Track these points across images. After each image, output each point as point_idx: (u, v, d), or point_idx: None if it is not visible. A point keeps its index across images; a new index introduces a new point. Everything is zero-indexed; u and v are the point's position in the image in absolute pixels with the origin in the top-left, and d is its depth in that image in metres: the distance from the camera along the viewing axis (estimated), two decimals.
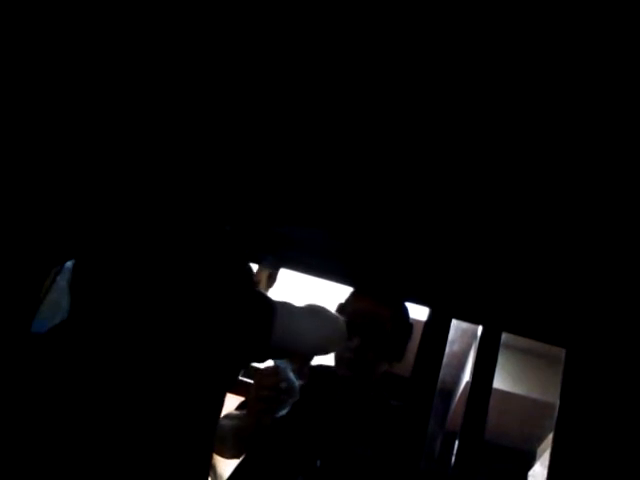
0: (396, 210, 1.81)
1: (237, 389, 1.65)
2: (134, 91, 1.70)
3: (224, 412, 1.56)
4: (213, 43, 1.55)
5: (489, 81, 1.48)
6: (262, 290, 1.70)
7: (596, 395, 1.71)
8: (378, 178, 1.76)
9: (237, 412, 1.73)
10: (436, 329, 1.84)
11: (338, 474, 1.61)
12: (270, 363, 1.55)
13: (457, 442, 1.80)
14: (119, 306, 1.18)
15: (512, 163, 1.64)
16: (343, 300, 1.84)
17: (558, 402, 1.75)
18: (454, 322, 1.90)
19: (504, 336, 1.84)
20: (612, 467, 1.64)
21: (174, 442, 1.14)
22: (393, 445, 1.68)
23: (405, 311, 1.84)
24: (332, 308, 1.73)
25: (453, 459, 1.76)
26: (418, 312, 1.97)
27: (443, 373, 1.86)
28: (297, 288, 2.54)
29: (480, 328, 1.87)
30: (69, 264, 1.37)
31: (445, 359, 1.83)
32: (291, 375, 1.54)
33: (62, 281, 1.70)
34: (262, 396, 1.55)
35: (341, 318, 1.51)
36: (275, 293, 1.75)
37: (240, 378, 1.87)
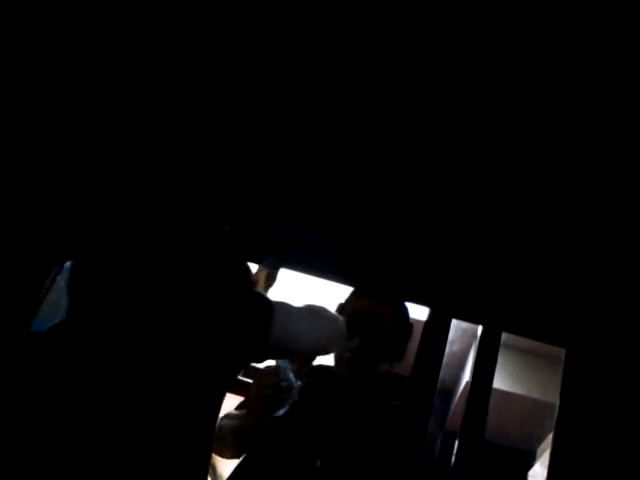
0: (396, 210, 1.81)
1: (237, 389, 1.65)
2: (134, 91, 1.70)
3: (224, 412, 1.56)
4: (213, 43, 1.55)
5: (489, 81, 1.48)
6: (260, 290, 1.70)
7: (596, 395, 1.71)
8: (378, 178, 1.76)
9: (237, 412, 1.73)
10: (436, 329, 1.84)
11: (338, 474, 1.61)
12: (271, 362, 1.55)
13: (457, 442, 1.79)
14: (117, 306, 1.18)
15: (512, 163, 1.64)
16: (343, 300, 1.84)
17: (558, 402, 1.75)
18: (454, 322, 1.90)
19: (504, 336, 1.84)
20: (612, 467, 1.64)
21: (173, 442, 1.14)
22: (393, 445, 1.68)
23: (405, 311, 1.84)
24: (332, 308, 1.73)
25: (453, 459, 1.76)
26: (418, 312, 1.97)
27: (443, 373, 1.86)
28: (297, 288, 2.54)
29: (480, 328, 1.87)
30: (69, 264, 1.36)
31: (445, 359, 1.83)
32: (291, 375, 1.55)
33: (62, 281, 1.70)
34: (263, 395, 1.55)
35: (341, 318, 1.51)
36: (275, 293, 1.76)
37: (239, 378, 1.87)
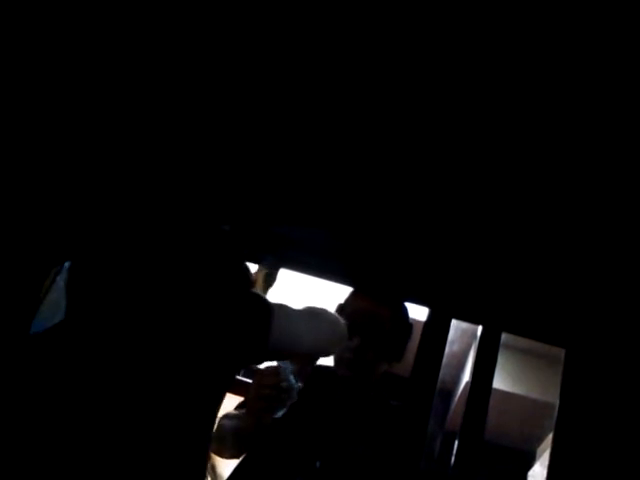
0: (396, 210, 1.81)
1: (236, 389, 1.65)
2: (133, 91, 1.70)
3: (223, 412, 1.56)
4: (213, 43, 1.55)
5: (488, 81, 1.48)
6: (260, 290, 1.70)
7: (596, 395, 1.71)
8: (378, 178, 1.76)
9: (236, 412, 1.73)
10: (436, 329, 1.84)
11: (338, 474, 1.61)
12: (271, 362, 1.55)
13: (457, 442, 1.79)
14: (116, 306, 1.18)
15: (511, 164, 1.64)
16: (343, 300, 1.84)
17: (558, 402, 1.75)
18: (454, 322, 1.90)
19: (504, 336, 1.84)
20: (612, 467, 1.64)
21: (171, 442, 1.14)
22: (393, 445, 1.68)
23: (405, 311, 1.84)
24: (332, 308, 1.73)
25: (453, 459, 1.76)
26: (418, 312, 1.97)
27: (443, 373, 1.86)
28: (297, 288, 2.54)
29: (480, 328, 1.87)
30: (69, 264, 1.37)
31: (445, 359, 1.83)
32: (291, 376, 1.55)
33: (62, 281, 1.70)
34: (263, 395, 1.55)
35: (342, 320, 1.50)
36: (275, 293, 1.76)
37: (239, 378, 1.87)
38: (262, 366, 1.58)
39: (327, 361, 1.81)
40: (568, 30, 1.34)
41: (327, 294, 2.16)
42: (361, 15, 1.42)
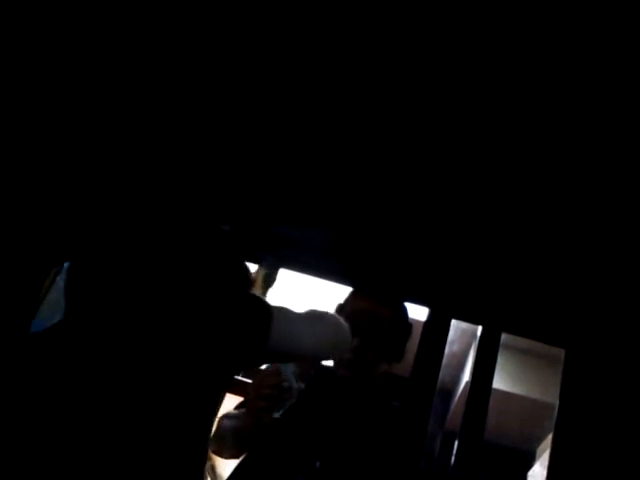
0: (395, 210, 1.81)
1: (236, 389, 1.65)
2: (133, 91, 1.70)
3: (223, 412, 1.56)
4: (212, 43, 1.55)
5: (488, 81, 1.48)
6: (259, 290, 1.70)
7: (596, 395, 1.71)
8: (377, 178, 1.76)
9: (236, 412, 1.73)
10: (436, 329, 1.83)
11: (338, 474, 1.61)
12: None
13: (457, 442, 1.79)
14: (115, 307, 1.18)
15: (511, 163, 1.64)
16: (342, 300, 1.84)
17: (558, 402, 1.75)
18: (454, 322, 1.90)
19: (504, 336, 1.84)
20: (612, 467, 1.64)
21: (170, 442, 1.14)
22: (393, 445, 1.68)
23: (404, 311, 1.84)
24: (331, 308, 1.73)
25: (453, 459, 1.76)
26: (418, 312, 1.97)
27: (443, 373, 1.86)
28: (296, 288, 2.54)
29: (480, 328, 1.87)
30: (68, 264, 1.37)
31: (445, 359, 1.83)
32: (292, 376, 1.55)
33: (62, 281, 1.70)
34: (263, 394, 1.55)
35: (345, 324, 1.49)
36: (274, 293, 1.76)
37: (239, 378, 1.87)
38: (263, 366, 1.57)
39: (327, 361, 1.81)
40: (568, 30, 1.34)
41: (327, 294, 2.16)
42: (361, 15, 1.42)
